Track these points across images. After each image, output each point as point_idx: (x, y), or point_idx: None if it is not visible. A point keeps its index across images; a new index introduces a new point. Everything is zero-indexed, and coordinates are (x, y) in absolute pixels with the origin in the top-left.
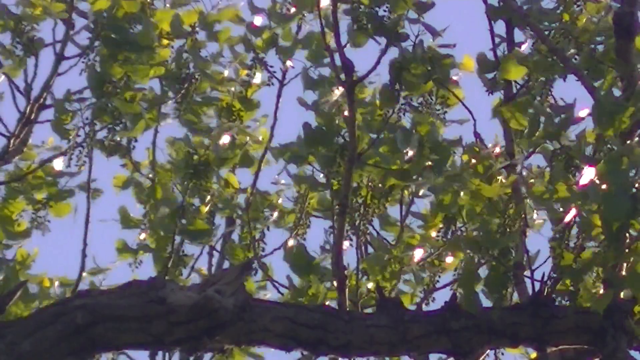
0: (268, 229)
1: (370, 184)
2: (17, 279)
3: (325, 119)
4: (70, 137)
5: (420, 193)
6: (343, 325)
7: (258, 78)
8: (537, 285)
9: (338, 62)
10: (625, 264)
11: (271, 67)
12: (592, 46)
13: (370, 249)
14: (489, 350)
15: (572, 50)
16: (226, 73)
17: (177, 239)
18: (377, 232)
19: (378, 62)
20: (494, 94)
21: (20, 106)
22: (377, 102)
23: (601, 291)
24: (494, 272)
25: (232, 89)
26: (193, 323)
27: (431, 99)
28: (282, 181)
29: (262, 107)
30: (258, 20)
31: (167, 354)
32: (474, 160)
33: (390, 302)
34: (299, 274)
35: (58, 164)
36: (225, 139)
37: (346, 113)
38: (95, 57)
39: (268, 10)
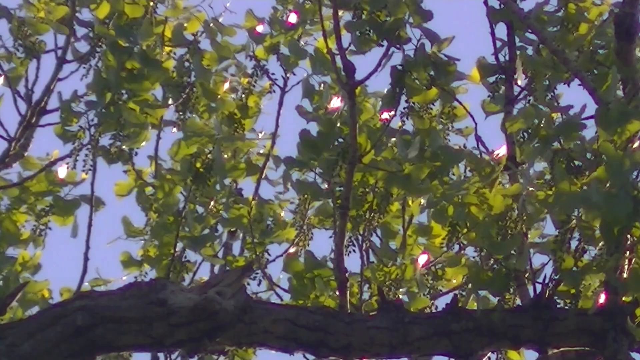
0: (271, 243)
1: (376, 189)
2: (17, 281)
3: (325, 125)
4: (76, 139)
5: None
6: (344, 326)
7: (259, 86)
8: (539, 288)
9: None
10: (626, 267)
11: (272, 74)
12: (592, 49)
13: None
14: (491, 354)
15: (575, 53)
16: (226, 86)
17: (179, 245)
18: (381, 240)
19: (379, 65)
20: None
21: (21, 110)
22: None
23: (601, 294)
24: (496, 275)
25: (232, 96)
26: (194, 325)
27: (433, 104)
28: (287, 188)
29: (263, 114)
30: (260, 29)
31: (167, 356)
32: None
33: (392, 304)
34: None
35: (62, 172)
36: (228, 149)
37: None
38: (97, 63)
39: (270, 18)
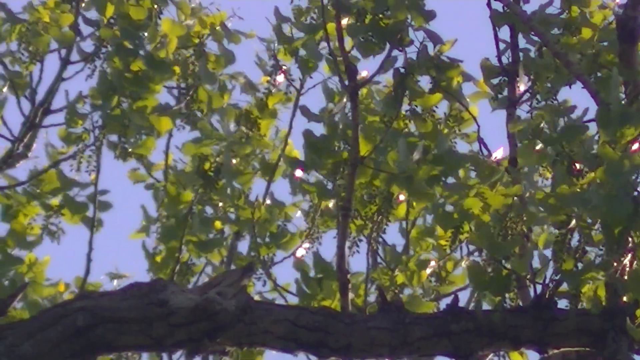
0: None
1: (381, 191)
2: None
3: (329, 127)
4: (80, 141)
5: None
6: (344, 327)
7: (280, 86)
8: (539, 288)
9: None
10: (627, 267)
11: (290, 75)
12: (595, 51)
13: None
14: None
15: (577, 55)
16: (239, 88)
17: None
18: (385, 242)
19: (381, 67)
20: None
21: (24, 110)
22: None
23: (601, 295)
24: (497, 276)
25: (250, 97)
26: (194, 325)
27: (436, 107)
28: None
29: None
30: (285, 28)
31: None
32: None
33: (392, 304)
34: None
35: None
36: (239, 151)
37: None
38: (102, 64)
39: (294, 16)
